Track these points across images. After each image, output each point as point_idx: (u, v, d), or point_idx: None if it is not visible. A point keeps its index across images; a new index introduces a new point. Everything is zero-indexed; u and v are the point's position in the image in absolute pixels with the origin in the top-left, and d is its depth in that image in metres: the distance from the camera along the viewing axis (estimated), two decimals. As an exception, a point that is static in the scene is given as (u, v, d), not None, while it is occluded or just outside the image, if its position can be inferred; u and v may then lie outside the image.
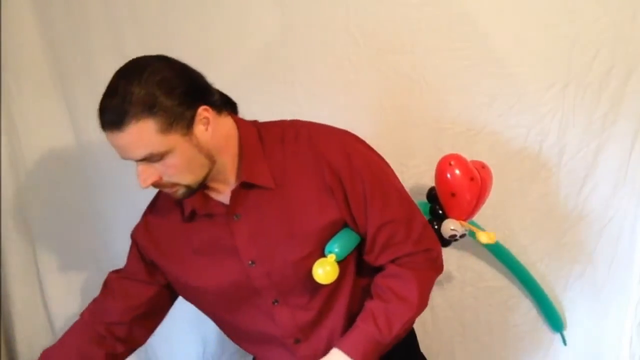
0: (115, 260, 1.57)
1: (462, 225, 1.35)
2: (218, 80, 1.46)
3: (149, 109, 0.91)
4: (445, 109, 1.48)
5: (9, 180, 1.51)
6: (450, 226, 1.34)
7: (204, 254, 1.06)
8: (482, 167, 1.36)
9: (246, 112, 1.10)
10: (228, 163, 1.02)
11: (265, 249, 1.02)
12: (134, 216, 1.54)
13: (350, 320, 1.07)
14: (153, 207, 1.15)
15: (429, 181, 1.41)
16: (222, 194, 1.04)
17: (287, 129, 1.05)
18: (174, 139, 0.93)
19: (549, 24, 1.42)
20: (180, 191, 0.99)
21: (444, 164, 1.32)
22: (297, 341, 1.09)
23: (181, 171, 0.96)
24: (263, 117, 1.09)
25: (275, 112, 1.12)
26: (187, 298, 1.15)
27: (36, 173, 1.53)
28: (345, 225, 1.03)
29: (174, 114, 0.92)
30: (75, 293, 1.59)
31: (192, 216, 1.06)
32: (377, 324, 1.01)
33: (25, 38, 1.47)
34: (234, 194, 1.02)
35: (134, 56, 1.45)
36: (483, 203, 1.37)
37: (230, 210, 1.03)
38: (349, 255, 1.04)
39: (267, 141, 1.04)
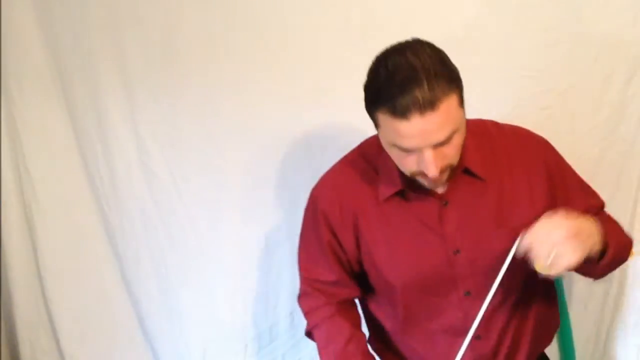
0: (115, 261, 1.59)
1: None
2: (222, 81, 1.48)
3: (452, 81, 0.89)
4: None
5: (10, 182, 1.52)
6: None
7: (405, 238, 1.05)
8: None
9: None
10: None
11: (472, 238, 1.01)
12: (135, 215, 1.56)
13: (529, 325, 1.11)
14: (340, 189, 1.10)
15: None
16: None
17: (488, 125, 1.08)
18: (462, 114, 0.93)
19: (548, 27, 1.42)
20: (446, 175, 0.97)
21: None
22: (478, 337, 1.06)
23: (458, 150, 0.95)
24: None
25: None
26: (372, 283, 1.14)
27: (37, 175, 1.53)
28: None
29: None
30: (76, 294, 1.59)
31: (399, 195, 1.04)
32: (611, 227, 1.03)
33: (26, 41, 1.47)
34: (448, 180, 1.01)
35: (136, 61, 1.47)
36: None
37: (442, 196, 1.03)
38: None
39: (476, 134, 1.04)
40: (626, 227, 1.47)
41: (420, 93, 0.85)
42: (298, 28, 1.46)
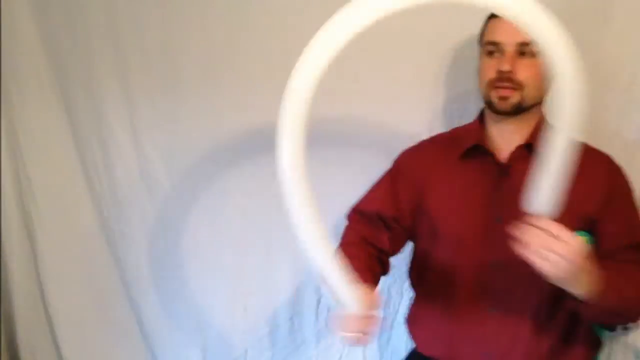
0: (115, 266, 1.60)
1: None
2: (222, 86, 1.48)
3: None
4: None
5: (10, 188, 1.52)
6: None
7: (464, 195, 1.14)
8: None
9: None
10: (532, 119, 1.13)
11: (517, 211, 1.00)
12: (134, 220, 1.56)
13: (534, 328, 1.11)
14: (419, 150, 1.24)
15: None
16: (500, 155, 1.15)
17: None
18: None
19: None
20: (515, 99, 1.08)
21: None
22: (492, 309, 1.12)
23: (533, 76, 1.07)
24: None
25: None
26: (420, 229, 1.21)
27: (37, 181, 1.53)
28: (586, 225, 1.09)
29: None
30: (76, 299, 1.60)
31: (468, 153, 1.15)
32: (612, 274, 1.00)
33: (26, 47, 1.48)
34: (515, 153, 1.12)
35: (135, 67, 1.47)
36: None
37: (505, 166, 1.13)
38: None
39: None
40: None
41: None
42: (299, 33, 1.44)
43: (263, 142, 1.48)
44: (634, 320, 1.17)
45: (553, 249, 0.89)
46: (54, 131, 1.53)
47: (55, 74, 1.50)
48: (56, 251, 1.57)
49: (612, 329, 1.28)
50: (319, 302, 1.56)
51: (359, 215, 1.24)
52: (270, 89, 1.46)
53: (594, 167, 1.11)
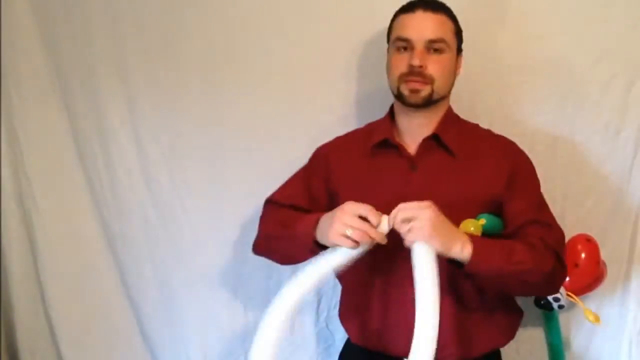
0: (116, 267, 1.59)
1: (568, 297, 1.38)
2: (223, 87, 1.48)
3: (454, 18, 1.19)
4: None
5: (10, 189, 1.52)
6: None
7: (374, 189, 1.17)
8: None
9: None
10: (439, 111, 1.20)
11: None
12: (135, 221, 1.56)
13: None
14: (333, 145, 1.29)
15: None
16: (409, 147, 1.20)
17: (479, 126, 1.25)
18: (454, 47, 1.18)
19: (547, 33, 1.42)
20: (426, 92, 1.14)
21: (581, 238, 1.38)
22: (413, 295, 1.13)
23: (443, 72, 1.15)
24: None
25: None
26: None
27: (37, 182, 1.53)
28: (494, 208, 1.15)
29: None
30: (77, 301, 1.59)
31: (378, 147, 1.20)
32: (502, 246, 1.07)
33: (27, 48, 1.48)
34: (422, 145, 1.18)
35: (136, 67, 1.48)
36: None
37: (414, 160, 1.18)
38: None
39: (463, 123, 1.25)
40: (629, 235, 1.47)
41: (429, 1, 1.16)
42: (299, 34, 1.47)
43: (265, 144, 1.49)
44: (543, 291, 1.25)
45: (407, 217, 0.99)
46: (54, 131, 1.53)
47: (56, 74, 1.51)
48: (56, 252, 1.56)
49: (548, 308, 1.38)
50: (319, 303, 1.56)
51: (273, 204, 1.28)
52: (271, 90, 1.48)
53: (495, 151, 1.19)
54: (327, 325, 1.57)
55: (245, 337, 1.59)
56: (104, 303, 1.60)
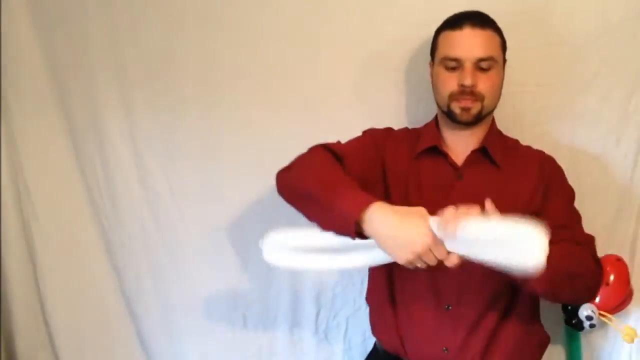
0: (115, 277, 1.59)
1: (600, 316, 1.36)
2: (221, 98, 1.48)
3: (500, 32, 1.19)
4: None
5: (9, 199, 1.52)
6: (586, 312, 1.35)
7: (419, 190, 1.19)
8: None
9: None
10: (485, 125, 1.22)
11: None
12: (134, 231, 1.56)
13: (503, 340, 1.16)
14: (388, 134, 1.28)
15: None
16: (455, 157, 1.22)
17: (517, 140, 1.29)
18: (502, 61, 1.19)
19: (548, 43, 1.41)
20: (476, 109, 1.16)
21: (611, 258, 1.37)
22: (448, 307, 1.16)
23: (492, 88, 1.17)
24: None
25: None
26: None
27: (37, 192, 1.53)
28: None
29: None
30: (76, 311, 1.59)
31: (425, 152, 1.21)
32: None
33: (26, 58, 1.48)
34: (470, 157, 1.20)
35: (135, 78, 1.48)
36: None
37: (460, 168, 1.20)
38: None
39: (505, 137, 1.28)
40: (628, 247, 1.46)
41: (475, 15, 1.16)
42: (298, 44, 1.46)
43: (262, 152, 1.49)
44: (589, 293, 1.23)
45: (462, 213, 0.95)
46: (54, 141, 1.53)
47: (55, 84, 1.50)
48: (56, 261, 1.56)
49: (579, 327, 1.36)
50: (318, 313, 1.55)
51: (324, 149, 1.18)
52: (269, 100, 1.48)
53: (534, 166, 1.22)
54: (326, 337, 1.56)
55: (245, 347, 1.58)
56: (103, 312, 1.60)
